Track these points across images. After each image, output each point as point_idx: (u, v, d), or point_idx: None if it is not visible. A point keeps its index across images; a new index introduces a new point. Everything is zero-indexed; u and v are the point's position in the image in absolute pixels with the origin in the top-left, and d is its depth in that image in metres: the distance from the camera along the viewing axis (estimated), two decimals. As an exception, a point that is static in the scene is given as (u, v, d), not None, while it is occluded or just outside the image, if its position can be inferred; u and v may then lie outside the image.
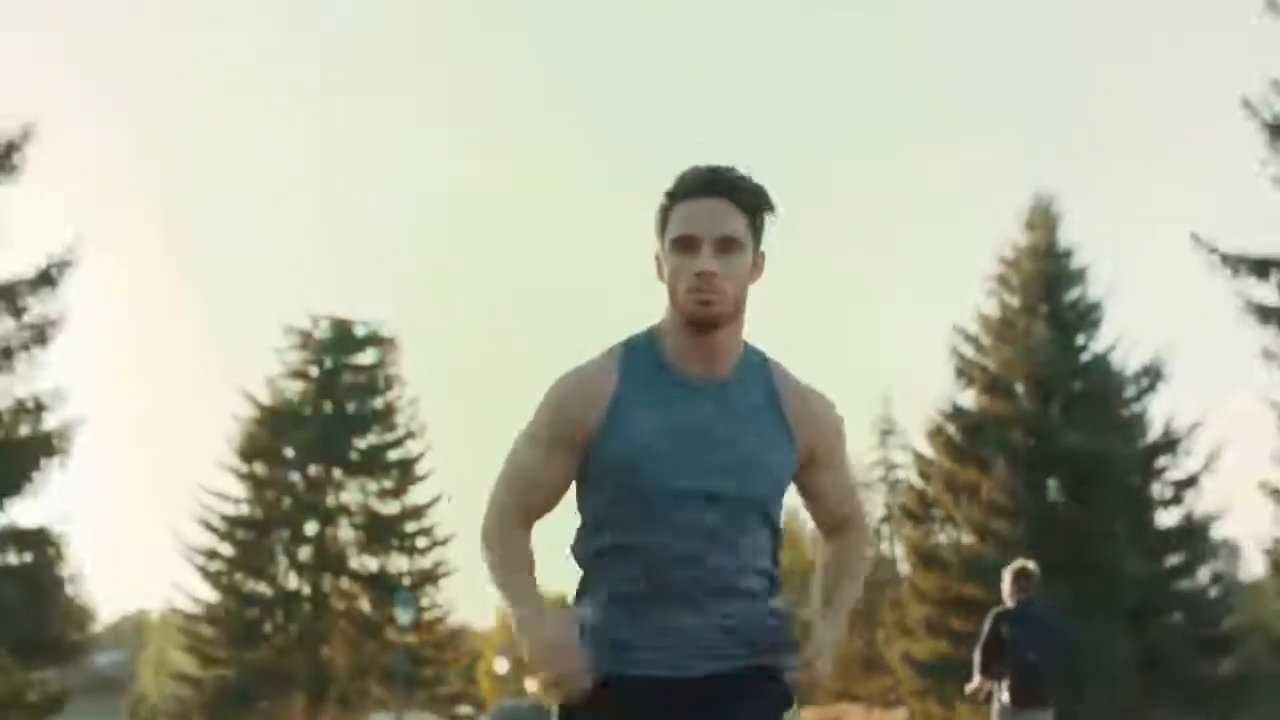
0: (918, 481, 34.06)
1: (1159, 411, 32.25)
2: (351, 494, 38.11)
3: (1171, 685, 29.32)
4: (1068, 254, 32.07)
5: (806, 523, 51.20)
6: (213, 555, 36.85)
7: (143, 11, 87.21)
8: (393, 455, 38.46)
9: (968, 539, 31.86)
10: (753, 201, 2.77)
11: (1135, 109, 76.52)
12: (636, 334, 2.87)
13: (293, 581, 37.46)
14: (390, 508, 38.18)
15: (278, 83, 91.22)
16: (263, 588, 37.31)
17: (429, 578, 37.97)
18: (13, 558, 21.30)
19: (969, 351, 32.32)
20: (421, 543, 38.09)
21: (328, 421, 37.72)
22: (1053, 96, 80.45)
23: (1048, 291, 31.69)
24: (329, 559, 37.44)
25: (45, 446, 21.06)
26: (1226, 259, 20.23)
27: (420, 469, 38.49)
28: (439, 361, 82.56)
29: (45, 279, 21.07)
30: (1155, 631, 29.69)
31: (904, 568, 36.48)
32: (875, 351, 76.40)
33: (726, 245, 2.71)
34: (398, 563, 38.03)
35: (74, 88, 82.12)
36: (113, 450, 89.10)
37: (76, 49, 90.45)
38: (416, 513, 38.19)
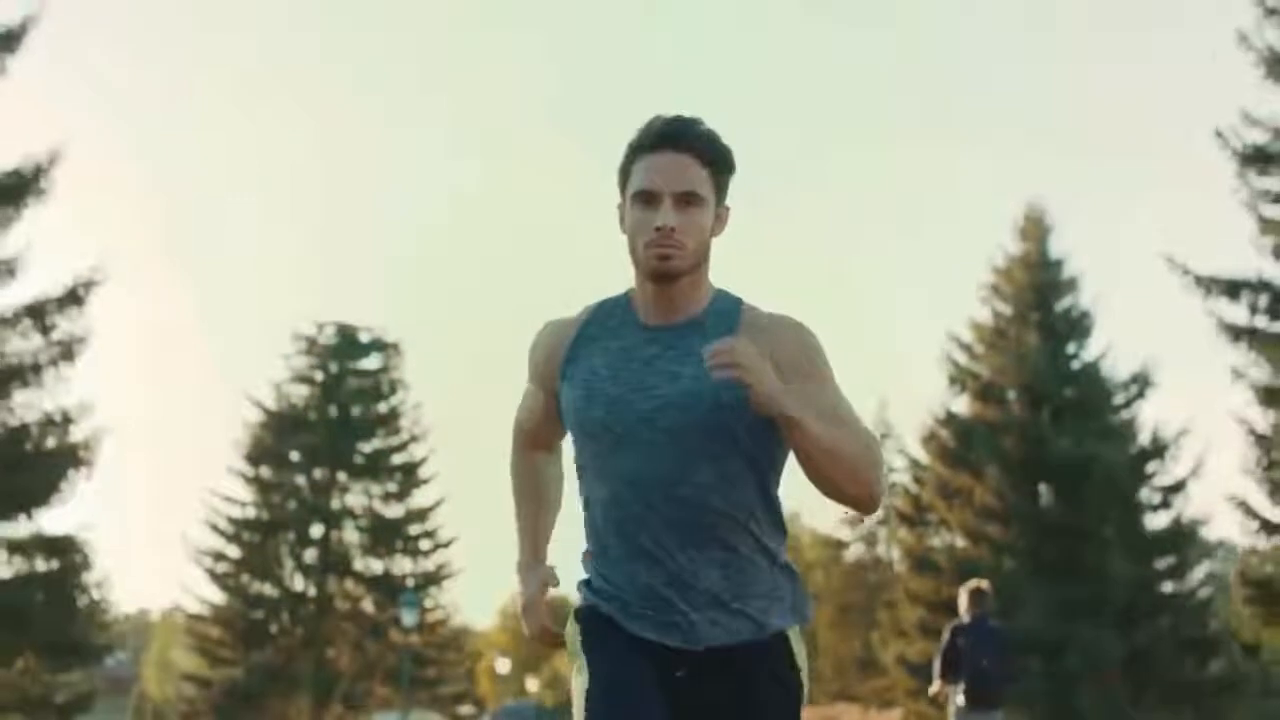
0: (912, 486, 35.46)
1: (1148, 418, 33.51)
2: (356, 497, 39.16)
3: (1159, 686, 30.30)
4: (1058, 264, 33.34)
5: (806, 524, 52.62)
6: (220, 557, 37.86)
7: (147, 19, 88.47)
8: (397, 459, 39.51)
9: (961, 543, 33.15)
10: (714, 155, 2.82)
11: (1130, 117, 77.86)
12: (615, 294, 2.98)
13: (298, 583, 38.46)
14: (394, 511, 39.23)
15: (280, 91, 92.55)
16: (269, 589, 38.30)
17: (432, 579, 39.02)
18: (40, 564, 22.85)
19: (962, 359, 33.62)
20: (425, 545, 39.14)
21: (333, 426, 38.84)
22: (1052, 101, 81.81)
23: (1039, 300, 32.95)
24: (334, 561, 38.50)
25: (72, 458, 22.52)
26: (1200, 280, 21.67)
27: (424, 473, 39.54)
28: (442, 367, 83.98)
29: (72, 298, 22.59)
30: (1144, 633, 30.67)
31: (899, 570, 37.81)
32: (872, 355, 77.71)
33: (687, 199, 2.77)
34: (402, 565, 39.05)
35: (77, 91, 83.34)
36: (116, 454, 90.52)
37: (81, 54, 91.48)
38: (420, 515, 39.25)
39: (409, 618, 33.26)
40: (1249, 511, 21.79)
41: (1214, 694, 30.39)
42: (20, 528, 22.51)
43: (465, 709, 45.17)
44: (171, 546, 73.29)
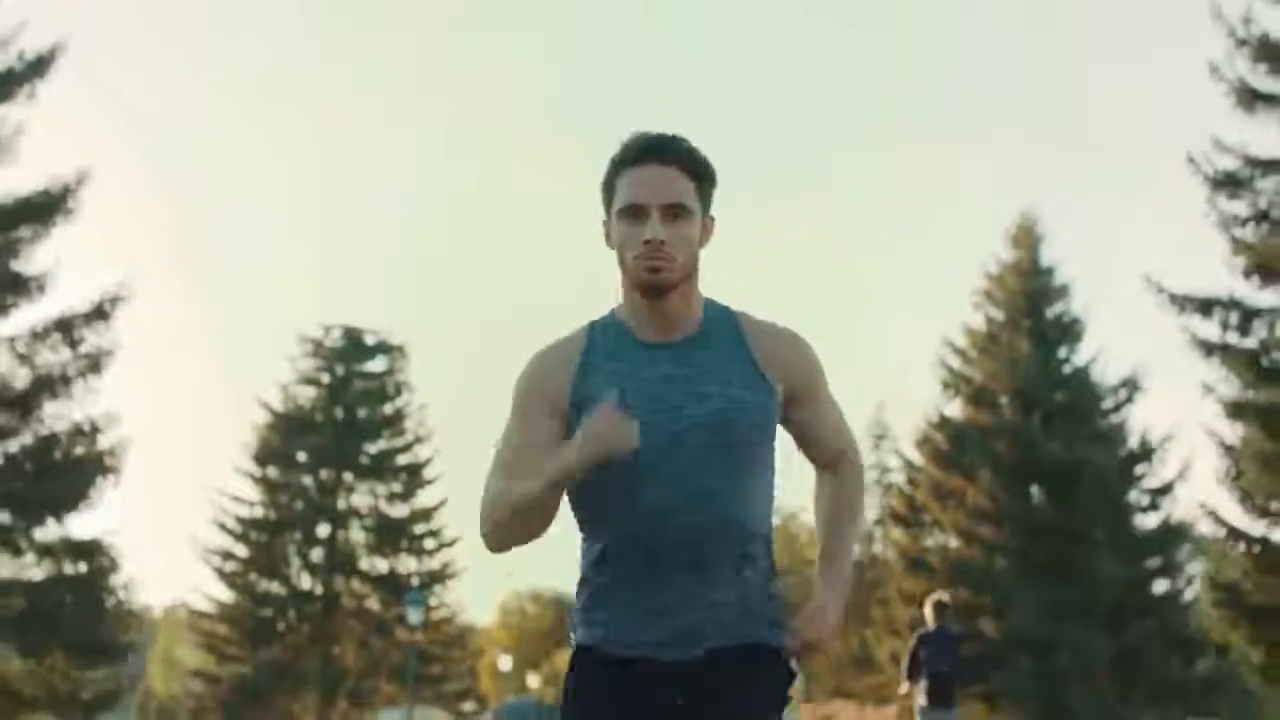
0: (906, 487, 36.94)
1: (1137, 422, 34.70)
2: (362, 497, 40.42)
3: (1148, 684, 31.52)
4: (1049, 271, 34.83)
5: (804, 523, 53.90)
6: (228, 556, 39.05)
7: (150, 23, 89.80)
8: (402, 460, 40.80)
9: (954, 543, 34.61)
10: (699, 166, 2.87)
11: (1130, 117, 78.96)
12: (601, 315, 2.99)
13: (305, 582, 39.66)
14: (399, 510, 40.53)
15: (280, 92, 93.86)
16: (276, 587, 39.46)
17: (437, 578, 40.24)
18: (68, 567, 24.55)
19: (956, 363, 35.05)
20: (429, 544, 40.38)
21: (339, 427, 40.15)
22: (1052, 101, 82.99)
23: (1031, 307, 34.38)
24: (340, 560, 39.69)
25: (98, 466, 24.24)
26: (1174, 298, 23.29)
27: (428, 473, 40.83)
28: (447, 369, 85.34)
29: (99, 313, 24.27)
30: (1133, 632, 31.76)
31: (893, 569, 39.15)
32: (871, 358, 78.84)
33: (674, 212, 2.81)
34: (406, 564, 40.32)
35: (81, 97, 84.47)
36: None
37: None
38: (425, 515, 40.54)
39: (415, 616, 34.26)
40: (1218, 520, 23.43)
41: (1200, 693, 31.57)
42: (49, 532, 24.22)
43: (468, 705, 46.05)
44: (174, 544, 75.08)
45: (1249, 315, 22.81)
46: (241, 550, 39.53)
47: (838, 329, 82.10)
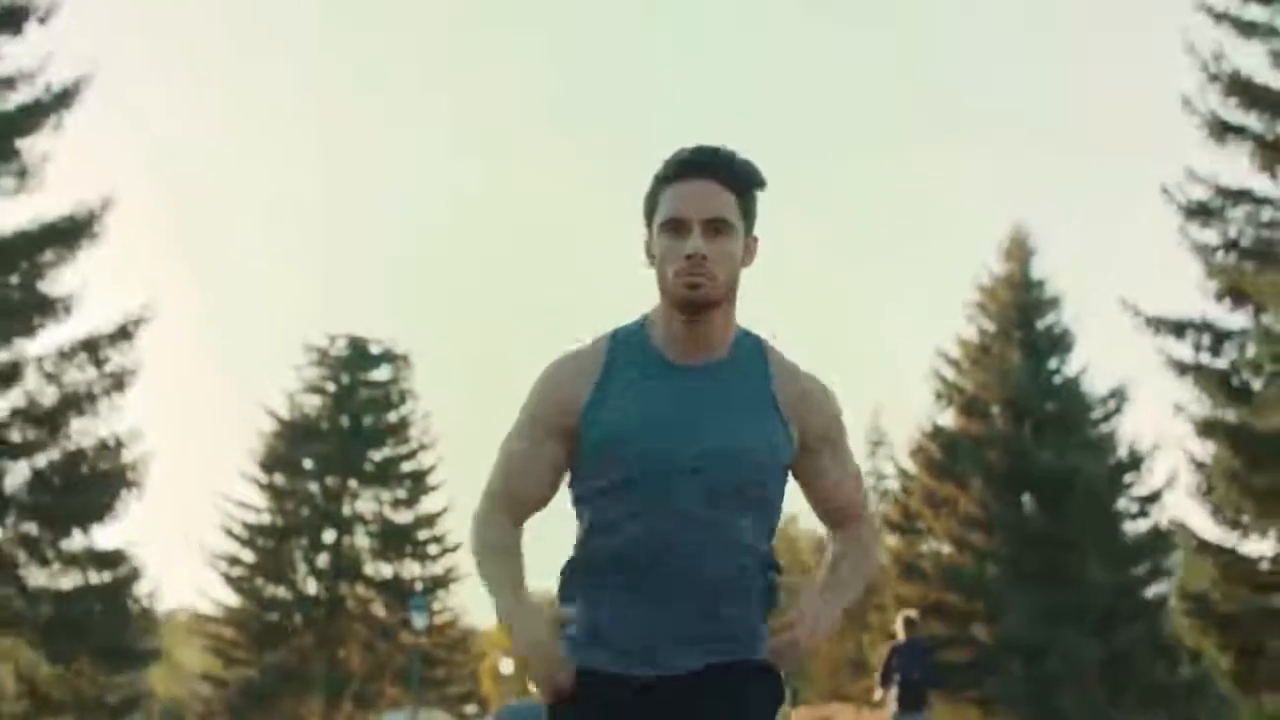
0: (901, 495, 38.24)
1: (1126, 431, 36.20)
2: (367, 503, 41.75)
3: (1137, 688, 32.68)
4: (1040, 284, 36.21)
5: (803, 526, 55.36)
6: (235, 561, 40.37)
7: (153, 26, 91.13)
8: (406, 467, 42.19)
9: (947, 550, 35.95)
10: (742, 182, 2.85)
11: (1130, 118, 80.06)
12: (627, 323, 2.96)
13: (311, 586, 40.94)
14: (404, 516, 41.84)
15: (287, 96, 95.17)
16: (283, 592, 40.82)
17: (440, 583, 41.51)
18: (94, 576, 26.32)
19: (950, 374, 36.44)
20: (433, 550, 41.65)
21: (344, 435, 41.41)
22: (1052, 101, 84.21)
23: (1022, 319, 35.73)
24: (346, 565, 40.98)
25: (122, 479, 25.97)
26: (1149, 320, 25.04)
27: (432, 480, 42.19)
28: (450, 377, 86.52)
29: (123, 334, 26.01)
30: (1122, 637, 32.93)
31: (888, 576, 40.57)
32: (869, 363, 79.77)
33: (716, 227, 2.80)
34: (411, 569, 41.56)
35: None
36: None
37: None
38: (429, 521, 41.84)
39: (419, 620, 35.23)
40: (1189, 533, 25.18)
41: (1185, 697, 32.69)
42: (76, 542, 25.96)
43: (470, 708, 47.12)
44: (176, 548, 76.52)
45: (1220, 337, 24.52)
46: (248, 555, 40.70)
47: (836, 331, 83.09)
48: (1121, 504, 35.52)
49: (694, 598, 2.83)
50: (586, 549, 2.92)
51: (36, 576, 25.68)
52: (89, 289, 25.99)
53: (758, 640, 2.91)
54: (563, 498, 2.99)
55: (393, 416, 42.63)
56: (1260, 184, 24.65)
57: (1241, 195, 24.60)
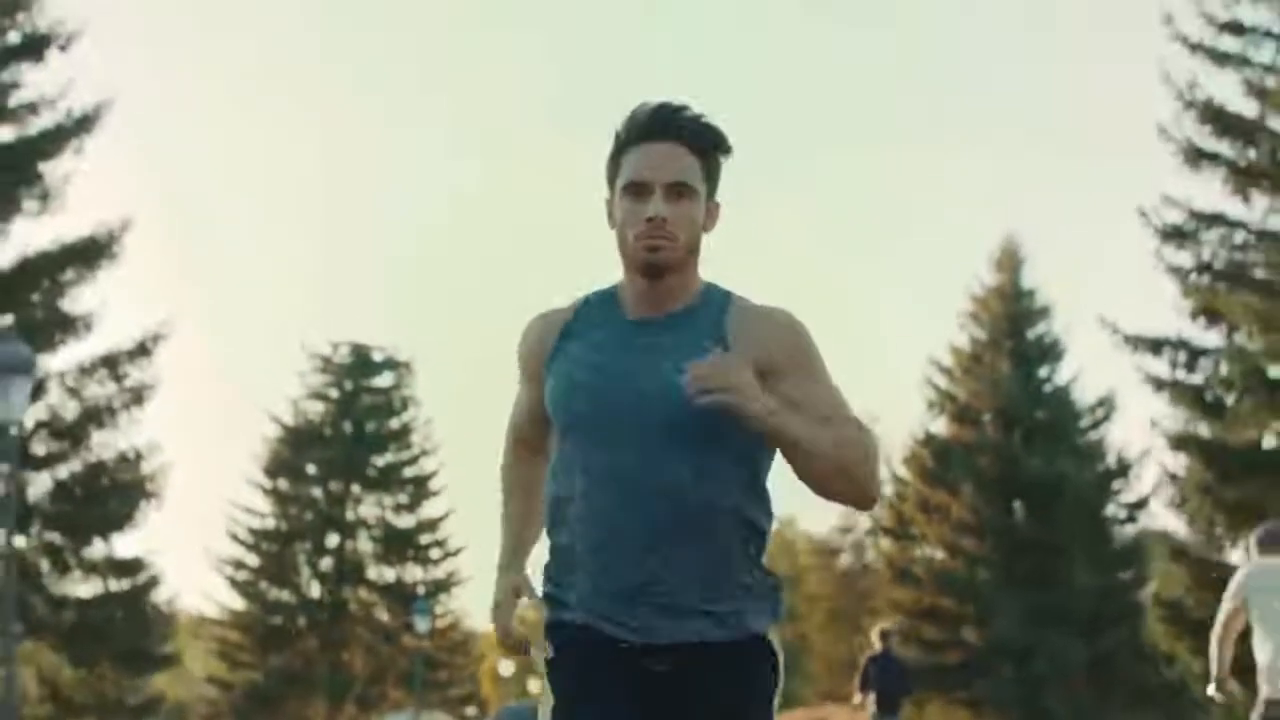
0: (895, 501, 39.47)
1: (1114, 439, 37.46)
2: (370, 508, 43.06)
3: (1123, 690, 34.06)
4: (1031, 294, 37.64)
5: (801, 529, 56.65)
6: (240, 565, 41.61)
7: (153, 28, 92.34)
8: (408, 472, 43.50)
9: (939, 555, 37.36)
10: (706, 144, 2.91)
11: (1130, 118, 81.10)
12: (603, 287, 3.06)
13: (315, 590, 42.19)
14: (406, 521, 43.19)
15: (287, 96, 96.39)
16: (287, 596, 42.03)
17: (442, 587, 42.81)
18: (114, 584, 27.96)
19: (942, 382, 37.79)
20: (435, 554, 43.04)
21: (348, 440, 42.68)
22: (1052, 101, 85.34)
23: (1012, 328, 37.14)
24: (349, 569, 42.25)
25: (141, 490, 27.56)
26: (1127, 338, 26.62)
27: (434, 485, 43.52)
28: (452, 384, 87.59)
29: (142, 350, 27.62)
30: (1108, 640, 34.30)
31: (882, 580, 41.89)
32: (863, 371, 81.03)
33: (678, 190, 2.85)
34: (413, 573, 42.92)
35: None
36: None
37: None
38: (431, 526, 43.21)
39: (421, 624, 36.71)
40: (1165, 541, 26.78)
41: (1169, 699, 33.19)
42: (97, 551, 27.58)
43: (471, 710, 48.03)
44: (178, 550, 77.89)
45: (1195, 354, 26.10)
46: (253, 560, 41.94)
47: (831, 337, 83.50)
48: (1109, 510, 36.92)
49: (637, 540, 2.85)
50: (545, 496, 3.02)
51: (59, 584, 27.21)
52: (108, 307, 27.50)
53: (717, 588, 2.88)
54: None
55: (395, 422, 43.84)
56: (1233, 208, 26.16)
57: (1215, 219, 26.06)
